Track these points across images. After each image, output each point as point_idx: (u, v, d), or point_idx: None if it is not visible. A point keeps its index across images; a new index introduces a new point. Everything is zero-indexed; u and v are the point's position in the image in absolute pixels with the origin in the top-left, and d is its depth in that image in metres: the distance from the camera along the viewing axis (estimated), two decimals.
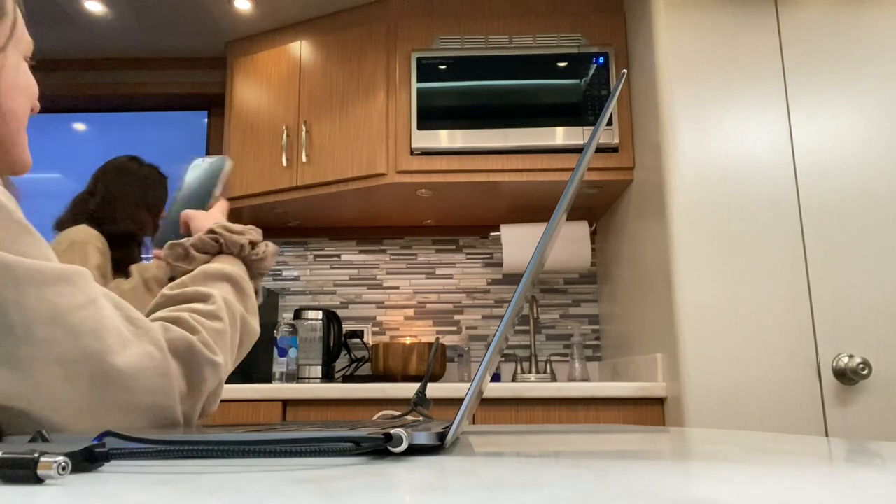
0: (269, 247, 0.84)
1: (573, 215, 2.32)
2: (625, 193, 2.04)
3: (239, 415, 1.74)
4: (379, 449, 0.41)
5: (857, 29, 1.70)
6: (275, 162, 2.17)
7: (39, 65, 0.88)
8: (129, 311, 0.60)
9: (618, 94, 0.55)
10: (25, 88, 0.72)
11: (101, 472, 0.35)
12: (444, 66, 2.02)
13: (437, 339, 0.97)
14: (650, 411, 1.68)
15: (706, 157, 1.65)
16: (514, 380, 2.19)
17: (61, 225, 1.69)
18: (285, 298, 2.46)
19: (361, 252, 2.47)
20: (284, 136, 2.15)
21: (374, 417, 1.21)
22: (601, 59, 2.01)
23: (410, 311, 2.41)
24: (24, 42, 0.74)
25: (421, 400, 0.82)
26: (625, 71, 0.62)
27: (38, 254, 0.55)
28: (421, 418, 0.84)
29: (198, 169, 0.96)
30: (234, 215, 2.26)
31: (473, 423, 1.69)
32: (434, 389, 1.70)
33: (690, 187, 1.64)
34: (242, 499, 0.26)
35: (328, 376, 2.21)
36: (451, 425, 0.46)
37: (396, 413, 1.21)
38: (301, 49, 2.24)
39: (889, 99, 1.66)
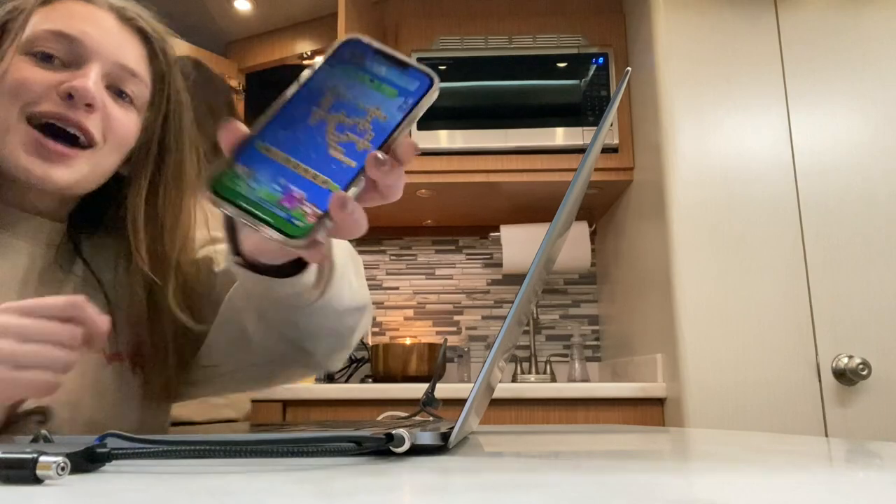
0: None
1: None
2: (624, 194, 2.04)
3: None
4: (382, 449, 0.41)
5: (857, 29, 1.70)
6: None
7: None
8: None
9: (623, 90, 0.55)
10: (10, 91, 0.67)
11: (102, 473, 0.35)
12: (443, 67, 2.02)
13: (446, 340, 0.97)
14: (650, 412, 1.68)
15: (706, 158, 1.65)
16: (513, 380, 2.19)
17: None
18: None
19: (361, 252, 2.46)
20: None
21: (380, 418, 1.21)
22: (601, 60, 2.01)
23: (410, 312, 2.41)
24: (23, 39, 0.69)
25: (430, 400, 0.82)
26: (629, 69, 0.61)
27: None
28: (431, 419, 0.83)
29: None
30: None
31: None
32: (436, 390, 1.70)
33: (690, 188, 1.64)
34: (243, 499, 0.26)
35: (328, 377, 2.21)
36: (455, 425, 0.46)
37: (403, 414, 1.21)
38: (301, 50, 2.24)
39: (889, 99, 1.66)
